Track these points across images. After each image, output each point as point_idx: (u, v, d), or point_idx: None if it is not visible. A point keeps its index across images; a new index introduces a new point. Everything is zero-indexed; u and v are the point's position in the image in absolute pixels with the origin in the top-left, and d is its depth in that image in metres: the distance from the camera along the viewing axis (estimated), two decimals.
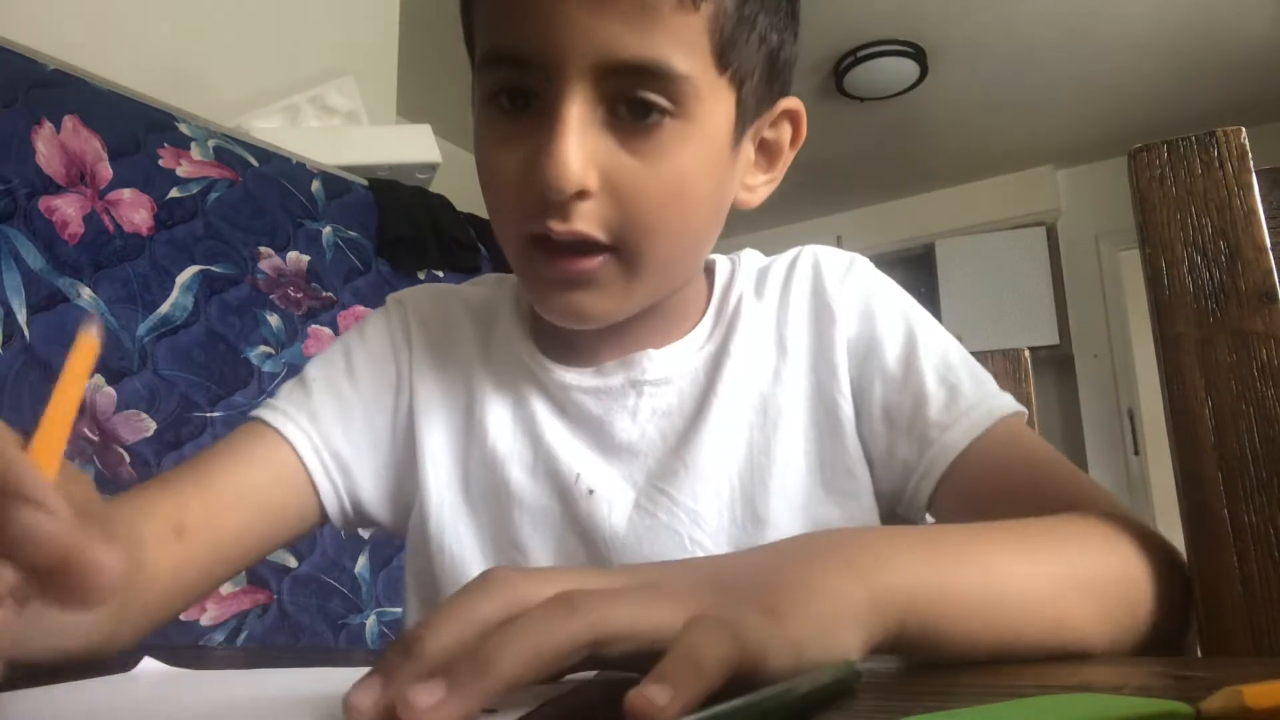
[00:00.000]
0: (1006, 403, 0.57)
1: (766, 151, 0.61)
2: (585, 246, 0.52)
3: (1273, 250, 0.48)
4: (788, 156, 0.62)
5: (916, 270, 4.42)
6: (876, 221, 4.48)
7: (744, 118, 0.56)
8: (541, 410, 0.62)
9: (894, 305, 0.62)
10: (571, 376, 0.62)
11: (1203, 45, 3.20)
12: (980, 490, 0.55)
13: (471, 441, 0.64)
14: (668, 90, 0.50)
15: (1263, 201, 0.49)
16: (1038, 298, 4.08)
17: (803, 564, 0.35)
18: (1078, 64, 3.32)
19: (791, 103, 0.60)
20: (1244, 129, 0.50)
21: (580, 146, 0.49)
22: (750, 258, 0.68)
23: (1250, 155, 0.49)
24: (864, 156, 4.00)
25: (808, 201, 4.29)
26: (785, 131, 0.61)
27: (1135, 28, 3.11)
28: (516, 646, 0.28)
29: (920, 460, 0.57)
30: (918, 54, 3.24)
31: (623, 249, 0.53)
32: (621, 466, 0.61)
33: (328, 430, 0.63)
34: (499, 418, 0.63)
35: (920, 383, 0.58)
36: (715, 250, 0.65)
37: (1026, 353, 0.83)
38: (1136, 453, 3.95)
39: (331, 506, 0.63)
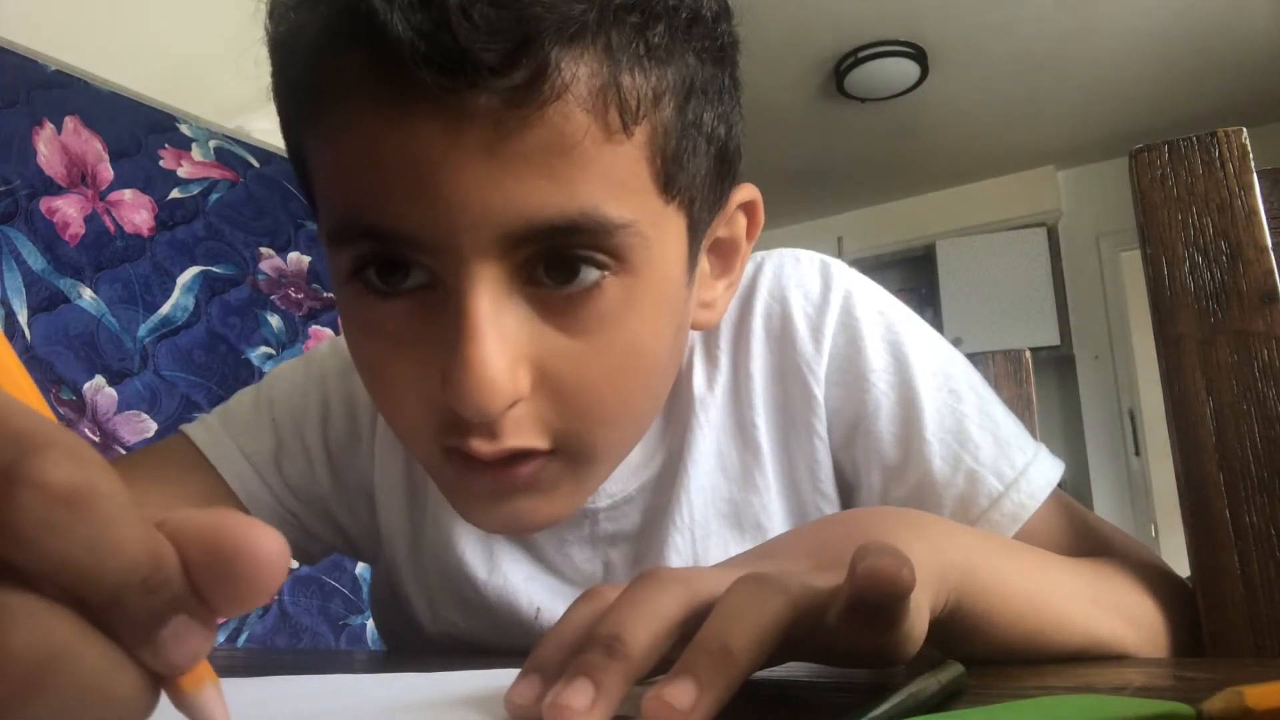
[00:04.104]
0: (1036, 481, 0.49)
1: (721, 253, 0.48)
2: (520, 457, 0.40)
3: (1274, 251, 0.48)
4: (746, 250, 0.49)
5: (917, 271, 4.43)
6: (877, 222, 4.48)
7: (697, 237, 0.44)
8: (496, 539, 0.54)
9: (885, 349, 0.51)
10: None
11: (1204, 46, 3.20)
12: None
13: (424, 539, 0.56)
14: (604, 245, 0.38)
15: (1264, 202, 0.49)
16: (1038, 298, 4.08)
17: (888, 530, 0.34)
18: (1078, 65, 3.32)
19: (746, 193, 0.47)
20: (1245, 129, 0.50)
21: (501, 348, 0.37)
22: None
23: (1251, 155, 0.49)
24: (864, 157, 4.00)
25: (808, 202, 4.29)
26: (740, 225, 0.48)
27: (1136, 28, 3.11)
28: (745, 631, 0.25)
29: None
30: (918, 54, 3.24)
31: (567, 449, 0.41)
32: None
33: (295, 488, 0.57)
34: (450, 527, 0.55)
35: (926, 471, 0.49)
36: None
37: (1027, 353, 0.82)
38: (1137, 453, 3.94)
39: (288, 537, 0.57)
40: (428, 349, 0.39)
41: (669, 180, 0.39)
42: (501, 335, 0.37)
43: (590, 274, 0.38)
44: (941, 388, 0.50)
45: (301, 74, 0.39)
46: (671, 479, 0.52)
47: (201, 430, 0.57)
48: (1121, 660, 0.41)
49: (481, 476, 0.41)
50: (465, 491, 0.43)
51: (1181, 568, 0.50)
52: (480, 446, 0.39)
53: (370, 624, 1.55)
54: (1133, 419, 3.97)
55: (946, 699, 0.28)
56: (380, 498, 0.58)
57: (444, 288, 0.38)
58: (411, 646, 0.61)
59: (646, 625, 0.26)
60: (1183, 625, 0.47)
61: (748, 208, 0.48)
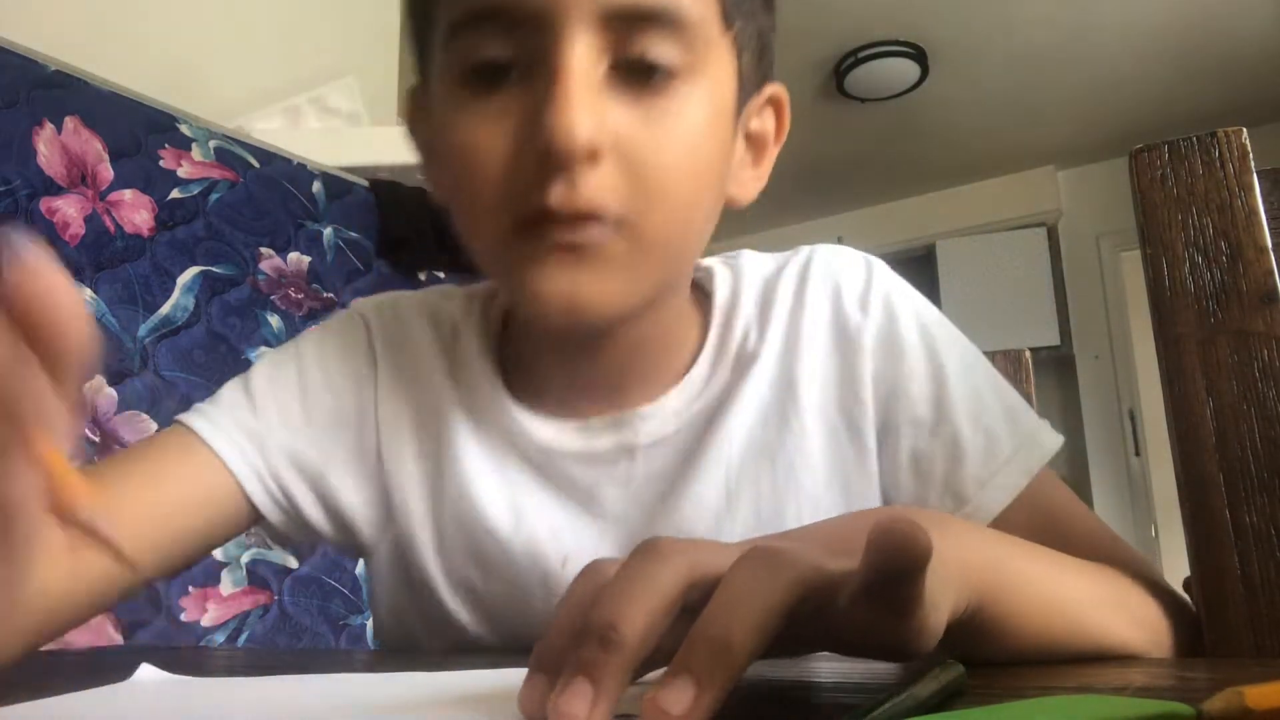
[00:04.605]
0: (1044, 445, 0.54)
1: (753, 145, 0.55)
2: (591, 220, 0.45)
3: (1274, 251, 0.48)
4: (772, 152, 0.56)
5: (917, 271, 4.42)
6: (877, 222, 4.48)
7: (742, 94, 0.51)
8: (522, 478, 0.55)
9: (918, 329, 0.56)
10: (553, 435, 0.55)
11: (1204, 45, 3.20)
12: None
13: (443, 491, 0.57)
14: (679, 40, 0.45)
15: (1264, 202, 0.49)
16: (1038, 298, 4.08)
17: None
18: (1079, 65, 3.32)
19: (776, 88, 0.55)
20: (1245, 129, 0.50)
21: (588, 98, 0.43)
22: (752, 267, 0.59)
23: (1251, 155, 0.49)
24: (864, 157, 4.00)
25: (808, 202, 4.29)
26: (770, 121, 0.56)
27: (1136, 28, 3.11)
28: (745, 618, 0.25)
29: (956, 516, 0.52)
30: (918, 55, 3.24)
31: (630, 224, 0.46)
32: (612, 542, 0.54)
33: (274, 458, 0.57)
34: (473, 476, 0.56)
35: (954, 430, 0.53)
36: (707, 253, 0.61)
37: (1027, 353, 0.82)
38: (1137, 453, 3.94)
39: (280, 525, 0.58)
40: (520, 125, 0.45)
41: (727, 16, 0.48)
42: (590, 90, 0.43)
43: (663, 74, 0.45)
44: (961, 360, 0.56)
45: None
46: (712, 423, 0.54)
47: (195, 416, 0.57)
48: (1122, 660, 0.41)
49: (554, 232, 0.45)
50: (535, 262, 0.46)
51: (1182, 568, 0.50)
52: (559, 198, 0.44)
53: (369, 624, 1.55)
54: (1133, 419, 3.97)
55: (946, 699, 0.28)
56: (389, 464, 0.58)
57: (543, 73, 0.44)
58: (415, 646, 0.61)
59: (643, 606, 0.26)
60: (1183, 625, 0.47)
61: (776, 104, 0.56)
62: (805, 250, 0.59)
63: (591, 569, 0.30)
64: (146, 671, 0.43)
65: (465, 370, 0.58)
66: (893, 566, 0.26)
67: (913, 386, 0.54)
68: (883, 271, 0.59)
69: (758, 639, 0.25)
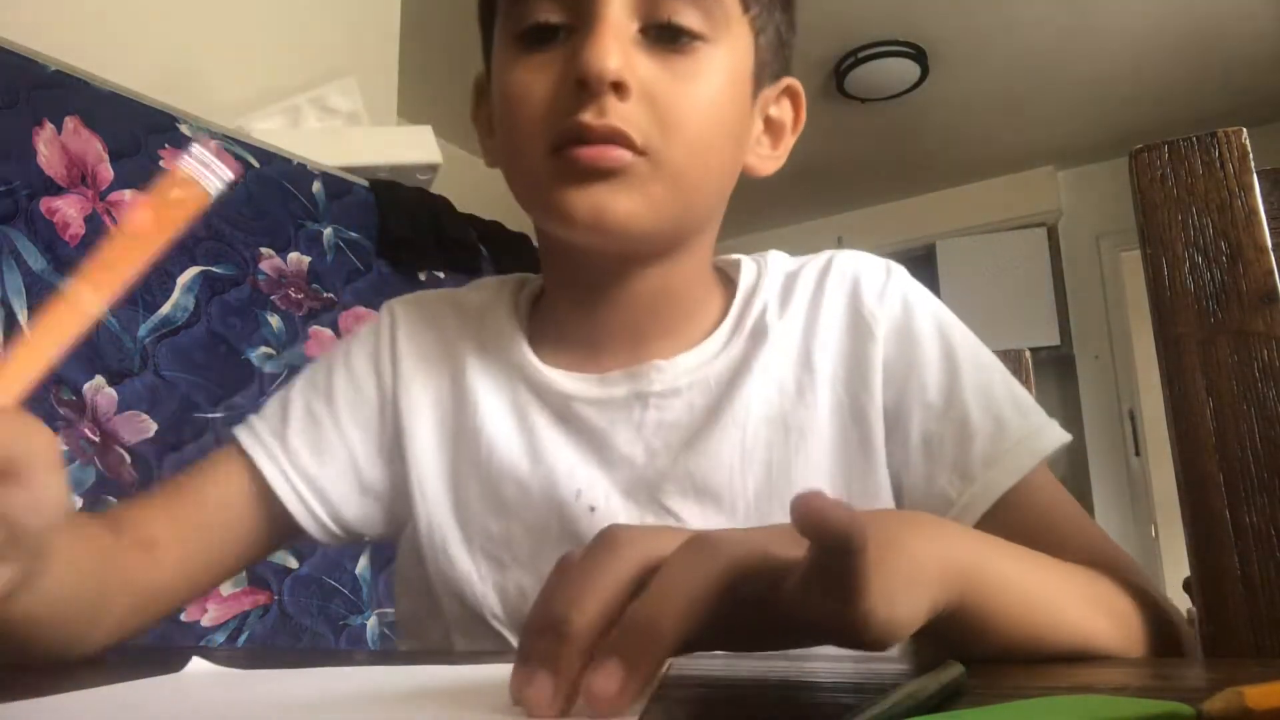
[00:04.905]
0: (1051, 436, 0.56)
1: (771, 130, 0.62)
2: (616, 140, 0.52)
3: (1274, 251, 0.48)
4: (789, 139, 0.63)
5: (917, 271, 4.33)
6: (877, 222, 4.48)
7: (759, 72, 0.58)
8: (540, 422, 0.60)
9: (933, 324, 0.60)
10: (572, 384, 0.60)
11: (1204, 46, 3.20)
12: (1017, 536, 0.48)
13: (463, 450, 0.62)
14: (702, 10, 0.53)
15: (1264, 202, 0.49)
16: (1038, 298, 4.08)
17: (882, 524, 0.35)
18: (1078, 65, 3.32)
19: (793, 81, 0.62)
20: (1245, 129, 0.50)
21: (619, 44, 0.51)
22: (777, 262, 0.65)
23: (1251, 156, 0.49)
24: (864, 157, 4.00)
25: (808, 202, 4.29)
26: (787, 110, 0.63)
27: (1136, 28, 3.11)
28: (673, 603, 0.28)
29: (961, 495, 0.55)
30: (918, 55, 3.24)
31: (651, 154, 0.53)
32: (623, 481, 0.58)
33: (299, 455, 0.62)
34: (494, 427, 0.61)
35: (964, 413, 0.56)
36: (717, 254, 0.65)
37: (1027, 353, 0.83)
38: (1137, 453, 3.94)
39: (311, 527, 0.63)
40: (562, 69, 0.53)
41: (746, 2, 0.56)
42: (620, 38, 0.52)
43: (686, 39, 0.53)
44: (974, 355, 0.59)
45: None
46: (730, 384, 0.59)
47: (242, 429, 0.64)
48: (1122, 661, 0.41)
49: (586, 150, 0.52)
50: (567, 177, 0.53)
51: (1181, 568, 0.51)
52: (590, 119, 0.51)
53: (370, 624, 1.55)
54: (1133, 419, 3.97)
55: (946, 699, 0.28)
56: (408, 437, 0.63)
57: (584, 27, 0.52)
58: (432, 631, 0.63)
59: (596, 597, 0.29)
60: (1160, 628, 0.47)
61: (793, 96, 0.63)
62: (829, 252, 0.65)
63: (618, 539, 0.32)
64: (198, 664, 0.43)
65: (492, 337, 0.64)
66: (824, 540, 0.26)
67: (926, 373, 0.58)
68: (902, 273, 0.63)
69: (685, 624, 0.28)
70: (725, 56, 0.55)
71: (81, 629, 0.51)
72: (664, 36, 0.53)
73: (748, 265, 0.65)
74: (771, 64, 0.59)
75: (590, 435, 0.59)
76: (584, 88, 0.51)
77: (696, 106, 0.54)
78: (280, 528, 0.62)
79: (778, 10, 0.59)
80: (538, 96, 0.53)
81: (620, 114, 0.51)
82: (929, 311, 0.61)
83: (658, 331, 0.60)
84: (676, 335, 0.61)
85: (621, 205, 0.53)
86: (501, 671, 0.30)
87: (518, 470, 0.59)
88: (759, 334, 0.60)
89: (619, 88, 0.51)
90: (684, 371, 0.59)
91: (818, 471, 0.57)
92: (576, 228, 0.53)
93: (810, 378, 0.59)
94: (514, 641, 0.58)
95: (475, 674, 0.41)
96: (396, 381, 0.64)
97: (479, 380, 0.62)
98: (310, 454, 0.62)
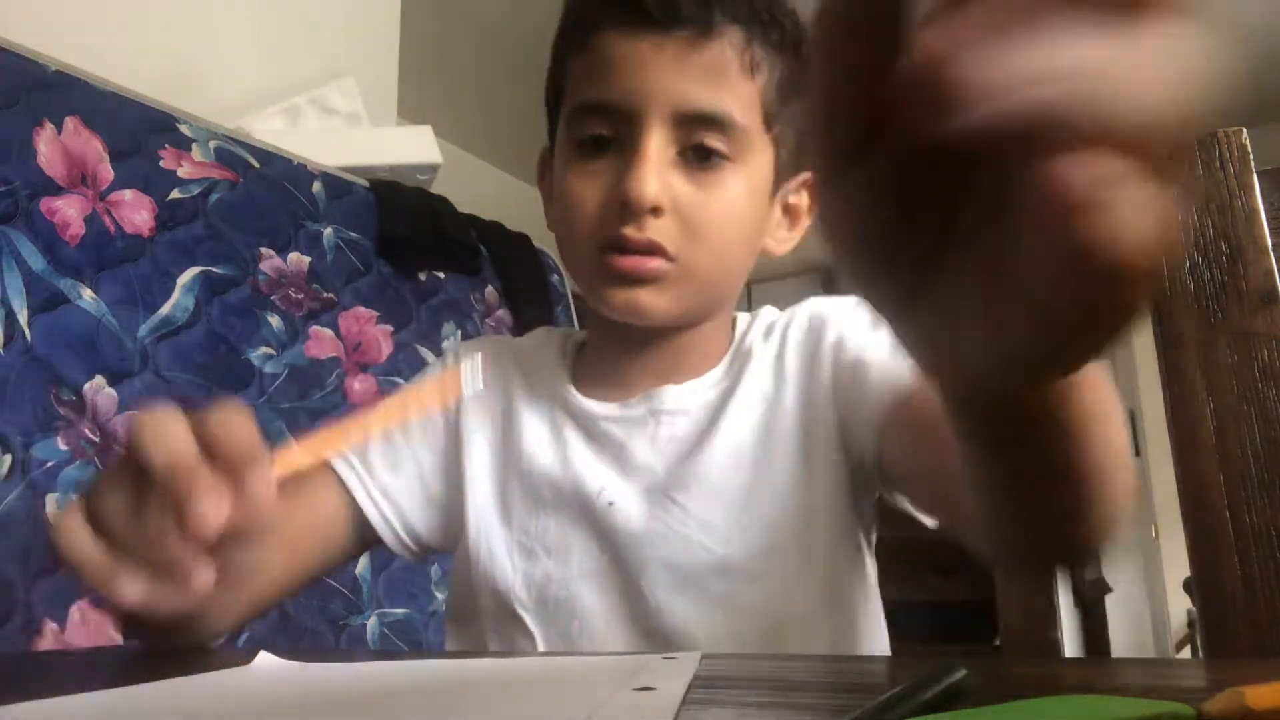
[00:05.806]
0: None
1: (790, 214, 0.74)
2: (652, 252, 0.63)
3: (1274, 251, 0.48)
4: (804, 223, 0.74)
5: None
6: None
7: (779, 176, 0.69)
8: (572, 436, 0.72)
9: (870, 327, 0.69)
10: (601, 408, 0.72)
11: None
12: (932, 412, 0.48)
13: (510, 463, 0.73)
14: (728, 136, 0.64)
15: (1264, 202, 0.49)
16: None
17: None
18: None
19: (809, 175, 0.71)
20: (1245, 129, 0.50)
21: (658, 173, 0.62)
22: (766, 312, 0.78)
23: (1251, 156, 0.49)
24: None
25: None
26: (805, 199, 0.74)
27: None
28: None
29: (874, 396, 0.64)
30: None
31: (681, 260, 0.64)
32: (638, 482, 0.69)
33: (377, 470, 0.73)
34: (535, 443, 0.73)
35: (881, 348, 0.66)
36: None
37: None
38: (1137, 454, 3.94)
39: (387, 535, 0.73)
40: (610, 178, 0.64)
41: (769, 120, 0.66)
42: (659, 166, 0.63)
43: (715, 160, 0.65)
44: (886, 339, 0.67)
45: (575, 14, 0.68)
46: (722, 405, 0.71)
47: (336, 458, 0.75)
48: (1121, 661, 0.41)
49: (624, 262, 0.64)
50: (609, 277, 0.65)
51: (1182, 568, 0.50)
52: (631, 232, 0.63)
53: (370, 624, 1.55)
54: (1133, 419, 3.98)
55: (946, 699, 0.28)
56: (466, 453, 0.74)
57: (630, 151, 0.63)
58: (470, 630, 0.73)
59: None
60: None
61: (810, 187, 0.73)
62: (801, 304, 0.77)
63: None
64: (266, 658, 0.43)
65: (540, 374, 0.77)
66: None
67: (849, 344, 0.69)
68: (863, 308, 0.66)
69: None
70: (748, 173, 0.66)
71: (223, 619, 0.58)
72: (697, 158, 0.64)
73: (743, 318, 0.78)
74: (791, 165, 0.70)
75: (612, 446, 0.71)
76: (626, 207, 0.62)
77: (720, 219, 0.65)
78: (361, 538, 0.72)
79: (798, 119, 0.66)
80: (590, 206, 0.65)
81: (656, 229, 0.63)
82: (871, 325, 0.70)
83: (677, 374, 0.73)
84: (690, 369, 0.73)
85: (653, 302, 0.65)
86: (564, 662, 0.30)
87: (552, 474, 0.71)
88: (746, 362, 0.73)
89: (655, 209, 0.62)
90: (689, 394, 0.72)
91: (790, 464, 0.68)
92: (615, 314, 0.67)
93: (781, 387, 0.71)
94: (535, 629, 0.68)
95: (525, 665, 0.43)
96: (460, 409, 0.76)
97: (526, 407, 0.75)
98: (386, 469, 0.73)
